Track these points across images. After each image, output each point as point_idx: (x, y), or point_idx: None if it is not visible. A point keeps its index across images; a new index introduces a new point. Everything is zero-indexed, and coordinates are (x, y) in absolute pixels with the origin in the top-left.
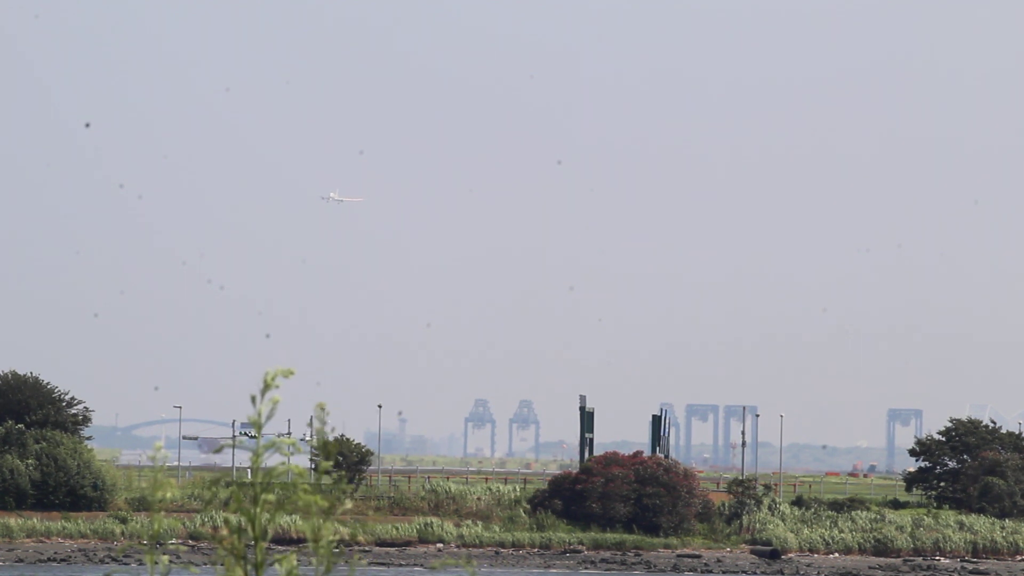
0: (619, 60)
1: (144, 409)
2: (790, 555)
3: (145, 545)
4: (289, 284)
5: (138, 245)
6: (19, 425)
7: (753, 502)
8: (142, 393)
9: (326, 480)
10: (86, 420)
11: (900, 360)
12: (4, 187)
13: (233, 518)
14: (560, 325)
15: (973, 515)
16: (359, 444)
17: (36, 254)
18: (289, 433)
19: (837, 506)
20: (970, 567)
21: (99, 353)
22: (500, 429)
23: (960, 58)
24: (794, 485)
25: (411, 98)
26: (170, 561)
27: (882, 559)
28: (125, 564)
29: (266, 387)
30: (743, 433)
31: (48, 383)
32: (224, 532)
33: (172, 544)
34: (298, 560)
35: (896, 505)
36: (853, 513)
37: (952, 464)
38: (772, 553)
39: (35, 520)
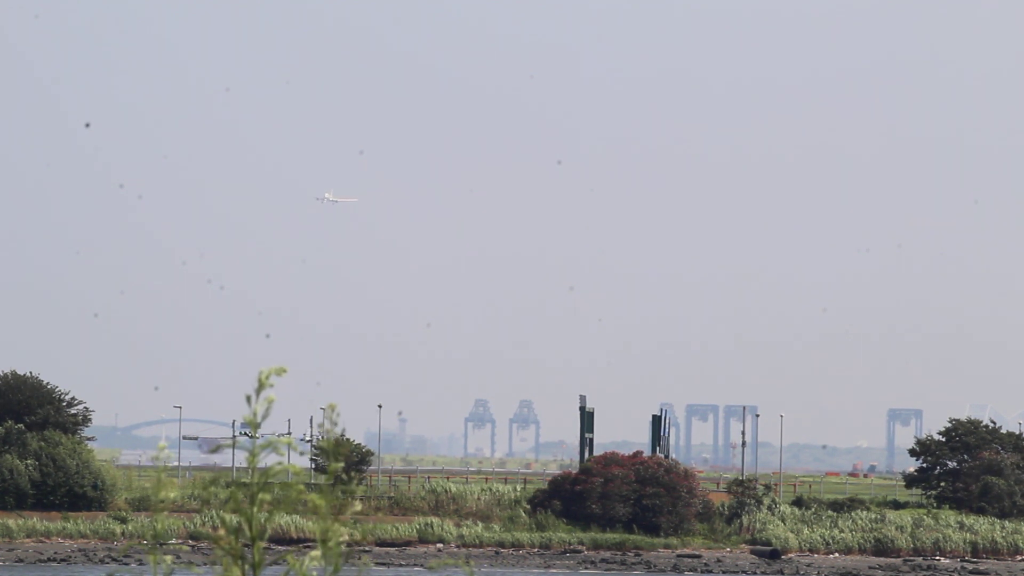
0: (619, 60)
1: (144, 409)
2: (790, 555)
3: (145, 544)
4: (289, 284)
5: (138, 245)
6: (19, 425)
7: (753, 502)
8: (142, 393)
9: (340, 481)
10: (86, 420)
11: (900, 360)
12: (4, 187)
13: (230, 518)
14: (560, 325)
15: (973, 515)
16: (359, 444)
17: (36, 254)
18: (289, 433)
19: (837, 506)
20: (970, 567)
21: (99, 353)
22: (500, 429)
23: (960, 58)
24: (794, 485)
25: (411, 98)
26: (173, 561)
27: (882, 559)
28: (125, 564)
29: (261, 386)
30: (743, 433)
31: (48, 383)
32: (222, 532)
33: (173, 544)
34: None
35: (896, 505)
36: (853, 513)
37: (952, 464)
38: (772, 553)
39: (35, 520)
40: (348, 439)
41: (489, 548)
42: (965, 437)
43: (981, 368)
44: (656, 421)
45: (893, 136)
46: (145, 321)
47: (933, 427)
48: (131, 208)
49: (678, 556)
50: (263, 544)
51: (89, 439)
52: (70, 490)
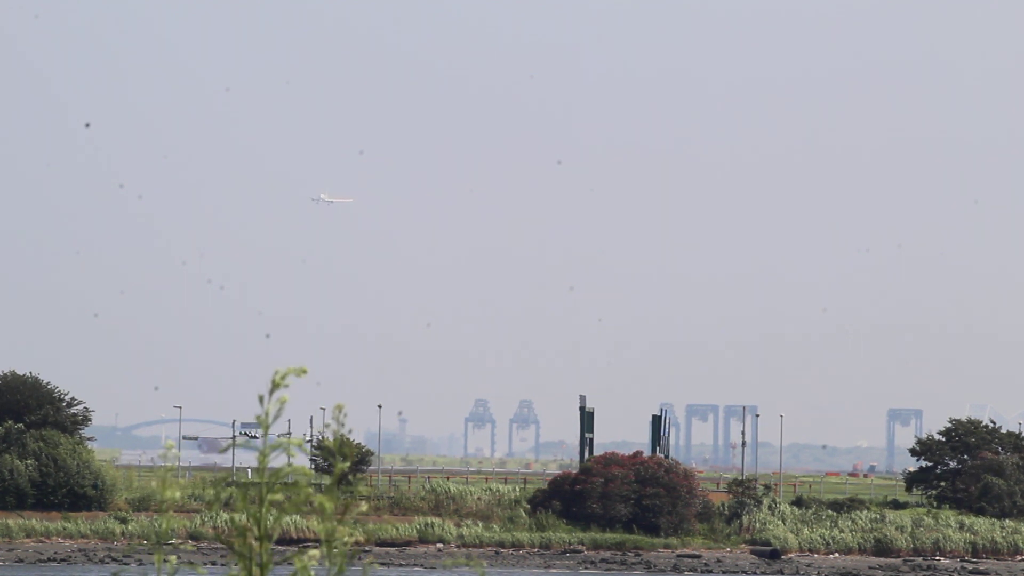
0: (619, 60)
1: (144, 409)
2: (790, 555)
3: (146, 545)
4: (289, 284)
5: (138, 245)
6: (18, 425)
7: (753, 502)
8: (142, 393)
9: (345, 482)
10: (86, 420)
11: (900, 360)
12: (4, 187)
13: (239, 518)
14: (560, 325)
15: (973, 515)
16: (359, 444)
17: (36, 254)
18: (289, 433)
19: (837, 506)
20: (970, 567)
21: (99, 353)
22: (500, 429)
23: (960, 58)
24: (794, 485)
25: (411, 98)
26: (178, 561)
27: (882, 559)
28: (125, 564)
29: (275, 386)
30: (743, 433)
31: (48, 383)
32: (234, 533)
33: (177, 543)
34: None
35: (896, 505)
36: (853, 513)
37: (952, 464)
38: (772, 553)
39: (35, 520)
40: (350, 439)
41: (489, 548)
42: (965, 437)
43: (981, 368)
44: (656, 421)
45: (893, 136)
46: (145, 321)
47: (933, 427)
48: (131, 208)
49: (678, 556)
50: (270, 545)
51: (89, 439)
52: (70, 490)
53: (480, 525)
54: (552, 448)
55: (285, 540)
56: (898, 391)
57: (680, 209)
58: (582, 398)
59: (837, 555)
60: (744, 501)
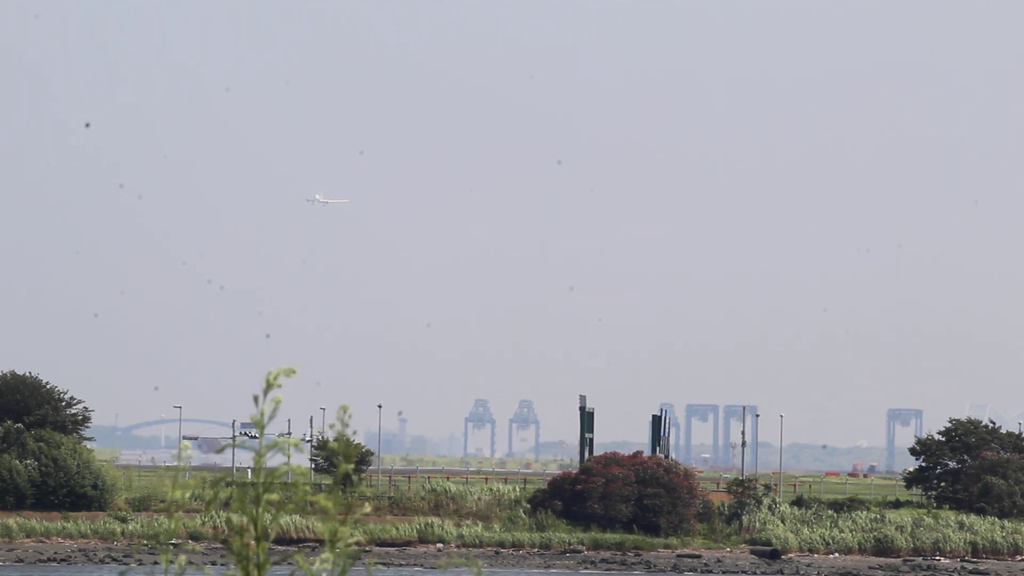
0: (619, 60)
1: (144, 409)
2: (790, 555)
3: (147, 545)
4: (289, 284)
5: (138, 245)
6: (18, 425)
7: (753, 502)
8: (142, 393)
9: (348, 482)
10: (85, 420)
11: (900, 360)
12: (4, 187)
13: (236, 518)
14: (560, 325)
15: (973, 515)
16: (359, 444)
17: (36, 254)
18: (289, 433)
19: (837, 506)
20: (970, 567)
21: (99, 353)
22: (500, 429)
23: (960, 58)
24: (794, 485)
25: (411, 98)
26: (187, 561)
27: (882, 559)
28: (126, 564)
29: (268, 387)
30: (743, 433)
31: (47, 383)
32: (233, 533)
33: (181, 543)
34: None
35: (896, 505)
36: (853, 513)
37: (952, 464)
38: (772, 553)
39: (35, 520)
40: (351, 440)
41: (489, 548)
42: (965, 437)
43: (981, 368)
44: (656, 421)
45: (893, 136)
46: (145, 321)
47: (933, 427)
48: (131, 208)
49: (678, 556)
50: (267, 545)
51: (89, 439)
52: (70, 490)
53: (480, 525)
54: (552, 448)
55: (284, 540)
56: (898, 391)
57: (680, 209)
58: (582, 398)
59: (837, 555)
60: (744, 501)
